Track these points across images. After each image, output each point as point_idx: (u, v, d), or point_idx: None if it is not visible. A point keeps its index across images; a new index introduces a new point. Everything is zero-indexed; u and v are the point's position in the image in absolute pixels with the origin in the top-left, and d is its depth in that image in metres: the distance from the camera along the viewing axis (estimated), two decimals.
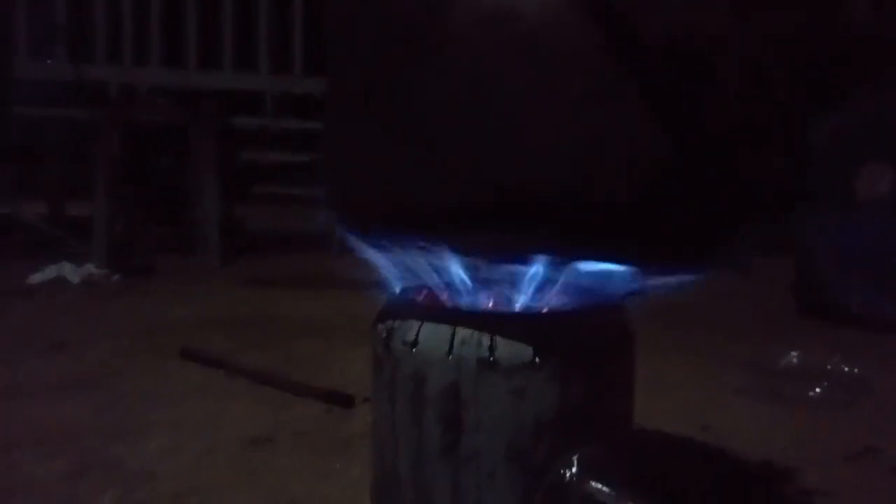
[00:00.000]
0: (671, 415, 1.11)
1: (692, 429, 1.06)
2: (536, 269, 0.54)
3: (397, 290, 0.59)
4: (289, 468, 0.92)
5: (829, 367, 1.20)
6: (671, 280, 0.57)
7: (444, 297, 0.57)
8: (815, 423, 1.08)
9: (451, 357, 0.52)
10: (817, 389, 1.13)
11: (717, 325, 1.66)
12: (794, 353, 1.24)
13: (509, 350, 0.52)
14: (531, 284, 0.54)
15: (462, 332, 0.53)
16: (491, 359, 0.52)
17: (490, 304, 0.58)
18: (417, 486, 0.54)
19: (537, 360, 0.52)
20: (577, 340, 0.54)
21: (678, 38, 0.51)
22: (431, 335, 0.53)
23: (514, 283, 0.55)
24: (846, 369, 1.19)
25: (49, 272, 1.95)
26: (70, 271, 1.96)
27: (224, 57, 2.99)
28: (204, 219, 2.46)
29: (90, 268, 2.01)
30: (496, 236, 0.52)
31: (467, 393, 0.52)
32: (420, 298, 0.59)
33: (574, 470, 0.52)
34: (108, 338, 1.49)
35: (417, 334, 0.54)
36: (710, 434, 1.04)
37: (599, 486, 0.51)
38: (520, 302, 0.55)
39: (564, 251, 0.53)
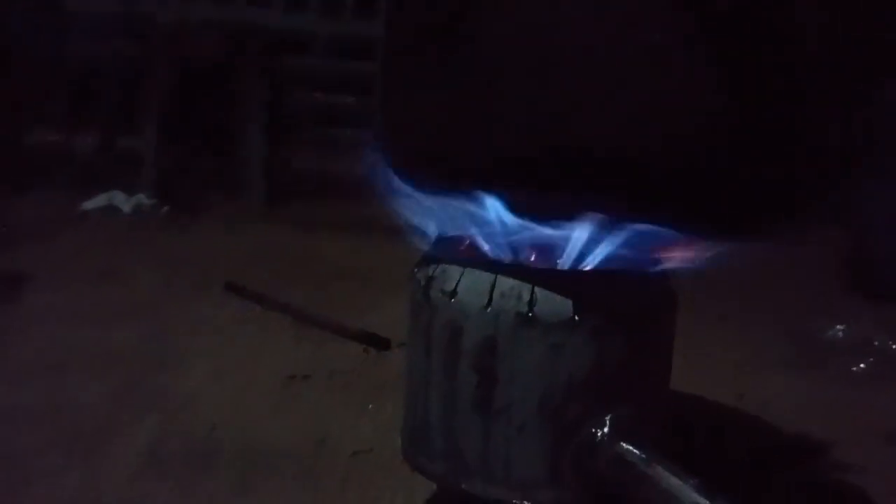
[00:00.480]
0: (707, 381, 1.09)
1: (728, 396, 1.05)
2: (583, 227, 0.53)
3: (439, 237, 0.59)
4: (323, 405, 0.94)
5: (875, 343, 1.17)
6: (727, 248, 0.55)
7: (487, 248, 0.56)
8: (856, 398, 1.06)
9: (489, 309, 0.52)
10: (861, 365, 1.10)
11: (766, 294, 1.62)
12: (840, 327, 1.21)
13: (549, 305, 0.51)
14: (577, 242, 0.53)
15: (502, 285, 0.52)
16: (530, 314, 0.51)
17: (532, 259, 0.57)
18: (448, 436, 0.55)
19: (577, 317, 0.51)
20: (618, 300, 0.53)
21: None
22: (471, 285, 0.53)
23: (559, 239, 0.54)
24: (894, 346, 1.16)
25: (100, 200, 2.00)
26: (121, 200, 2.01)
27: None
28: (249, 158, 2.48)
29: (141, 197, 2.06)
30: (549, 191, 0.51)
31: (503, 346, 0.52)
32: (462, 247, 0.58)
33: (606, 430, 0.51)
34: (154, 268, 1.53)
35: (457, 284, 0.53)
36: (746, 402, 1.03)
37: (630, 447, 0.51)
38: (563, 259, 0.54)
39: (617, 211, 0.52)
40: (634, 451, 0.51)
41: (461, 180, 0.53)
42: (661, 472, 0.49)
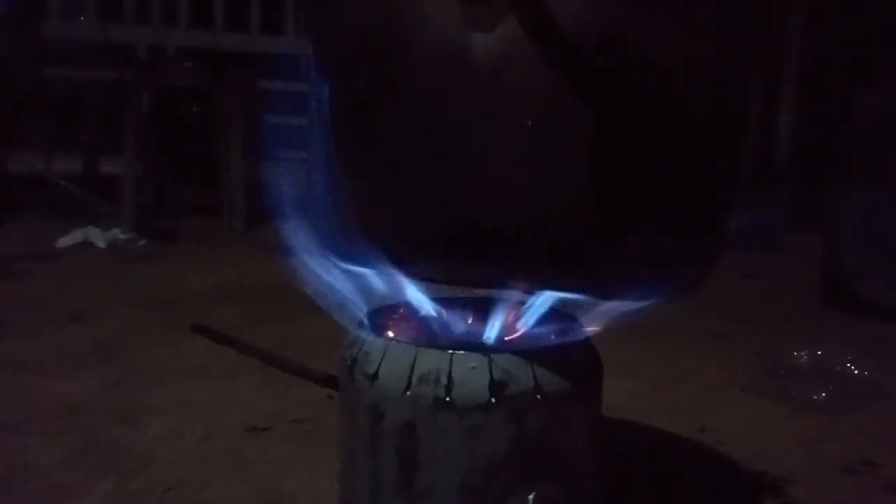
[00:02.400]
0: (671, 413, 1.10)
1: (689, 429, 1.05)
2: (502, 304, 0.53)
3: (364, 316, 0.59)
4: (283, 459, 0.94)
5: (837, 368, 1.18)
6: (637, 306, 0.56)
7: (408, 327, 0.57)
8: (815, 429, 1.06)
9: (407, 394, 0.52)
10: (823, 394, 1.10)
11: (739, 311, 1.63)
12: (803, 352, 1.21)
13: (465, 389, 0.51)
14: (496, 320, 0.54)
15: (420, 369, 0.52)
16: (447, 399, 0.52)
17: (451, 340, 0.57)
18: None
19: (493, 400, 0.51)
20: (536, 380, 0.53)
21: (611, 36, 0.49)
22: (391, 370, 0.53)
23: (479, 318, 0.54)
24: (856, 372, 1.16)
25: (76, 236, 2.00)
26: (96, 236, 2.01)
27: (252, 19, 2.98)
28: (229, 182, 2.49)
29: (116, 233, 2.06)
30: (459, 268, 0.51)
31: (423, 430, 0.52)
32: (384, 329, 0.59)
33: None
34: (126, 308, 1.53)
35: (378, 368, 0.54)
36: (707, 437, 1.03)
37: None
38: (482, 339, 0.55)
39: (525, 283, 0.52)
40: None
41: (378, 259, 0.54)
42: None
